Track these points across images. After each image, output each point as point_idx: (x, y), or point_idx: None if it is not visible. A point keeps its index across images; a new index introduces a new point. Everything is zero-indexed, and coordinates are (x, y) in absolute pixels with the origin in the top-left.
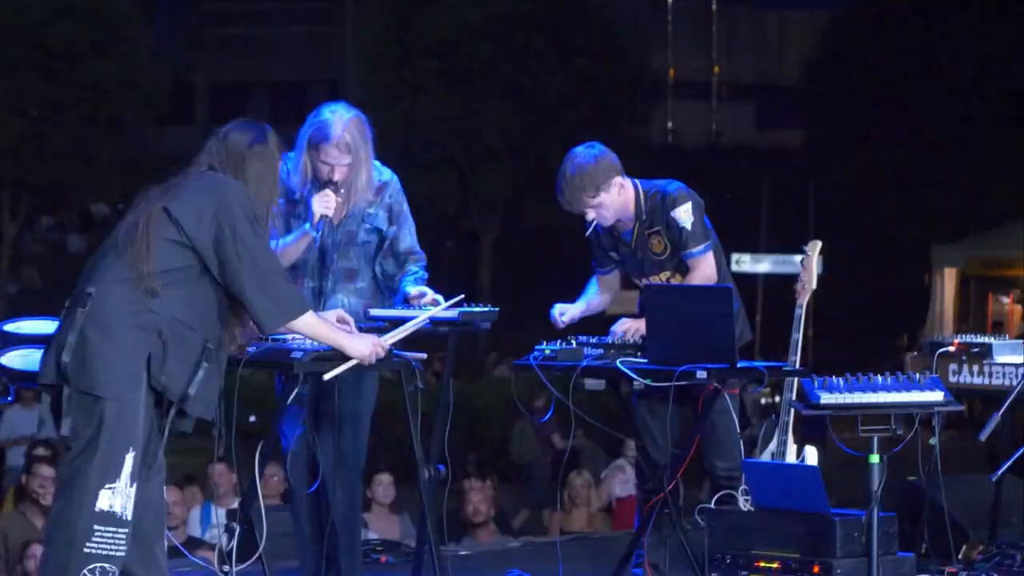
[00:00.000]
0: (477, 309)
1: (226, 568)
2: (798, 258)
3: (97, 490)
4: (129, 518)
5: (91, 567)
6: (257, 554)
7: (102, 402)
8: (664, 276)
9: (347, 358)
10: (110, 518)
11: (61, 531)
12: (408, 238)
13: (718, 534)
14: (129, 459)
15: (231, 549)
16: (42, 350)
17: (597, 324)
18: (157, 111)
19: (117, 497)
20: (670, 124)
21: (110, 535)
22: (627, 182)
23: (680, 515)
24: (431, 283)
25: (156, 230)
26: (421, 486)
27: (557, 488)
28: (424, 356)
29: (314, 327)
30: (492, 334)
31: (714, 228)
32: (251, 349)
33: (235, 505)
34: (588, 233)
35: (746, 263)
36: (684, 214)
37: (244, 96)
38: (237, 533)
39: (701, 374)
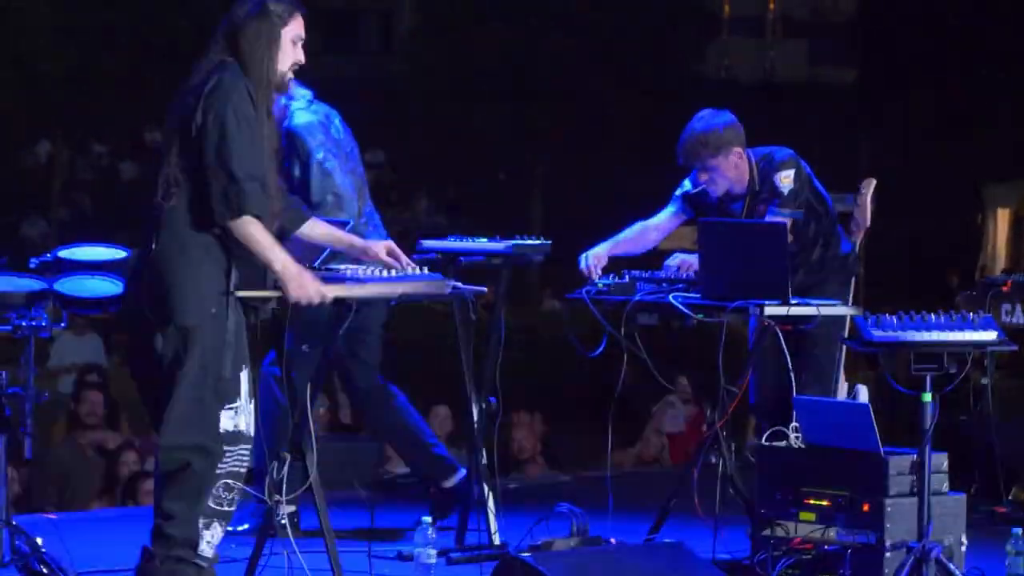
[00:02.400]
0: (529, 242)
1: (277, 497)
2: (852, 197)
3: (219, 412)
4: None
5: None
6: (307, 483)
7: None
8: None
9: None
10: (237, 437)
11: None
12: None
13: (768, 471)
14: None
15: (282, 478)
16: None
17: (651, 258)
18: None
19: (240, 416)
20: (726, 61)
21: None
22: (745, 156)
23: (730, 451)
24: (483, 217)
25: None
26: (472, 418)
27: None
28: (484, 290)
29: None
30: (544, 269)
31: None
32: None
33: None
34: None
35: None
36: (785, 179)
37: None
38: (288, 463)
39: (754, 310)
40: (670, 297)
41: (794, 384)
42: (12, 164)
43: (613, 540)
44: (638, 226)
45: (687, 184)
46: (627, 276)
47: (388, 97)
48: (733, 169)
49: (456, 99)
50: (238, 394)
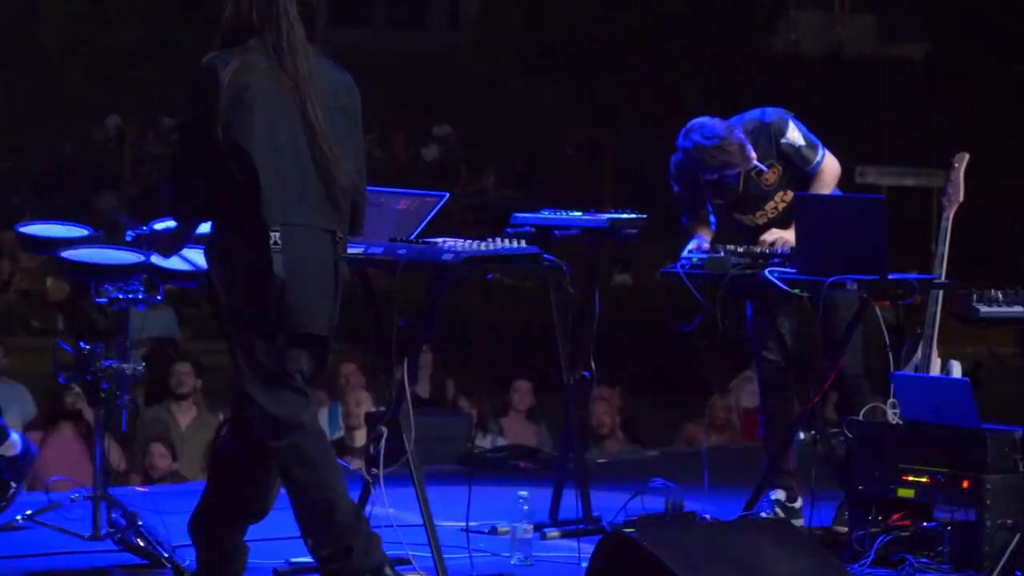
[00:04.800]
0: (625, 216)
1: (374, 471)
2: (929, 171)
3: None
4: None
5: None
6: (404, 458)
7: None
8: (776, 199)
9: None
10: None
11: None
12: None
13: (865, 447)
14: None
15: (379, 452)
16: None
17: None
18: None
19: None
20: (792, 35)
21: None
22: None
23: (826, 426)
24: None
25: None
26: (566, 392)
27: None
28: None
29: None
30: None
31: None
32: (402, 251)
33: (366, 408)
34: (678, 190)
35: (870, 175)
36: (794, 135)
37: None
38: (385, 437)
39: (851, 285)
40: (766, 272)
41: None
42: (82, 139)
43: (708, 516)
44: (701, 230)
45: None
46: (722, 251)
47: (456, 72)
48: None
49: (524, 73)
50: None
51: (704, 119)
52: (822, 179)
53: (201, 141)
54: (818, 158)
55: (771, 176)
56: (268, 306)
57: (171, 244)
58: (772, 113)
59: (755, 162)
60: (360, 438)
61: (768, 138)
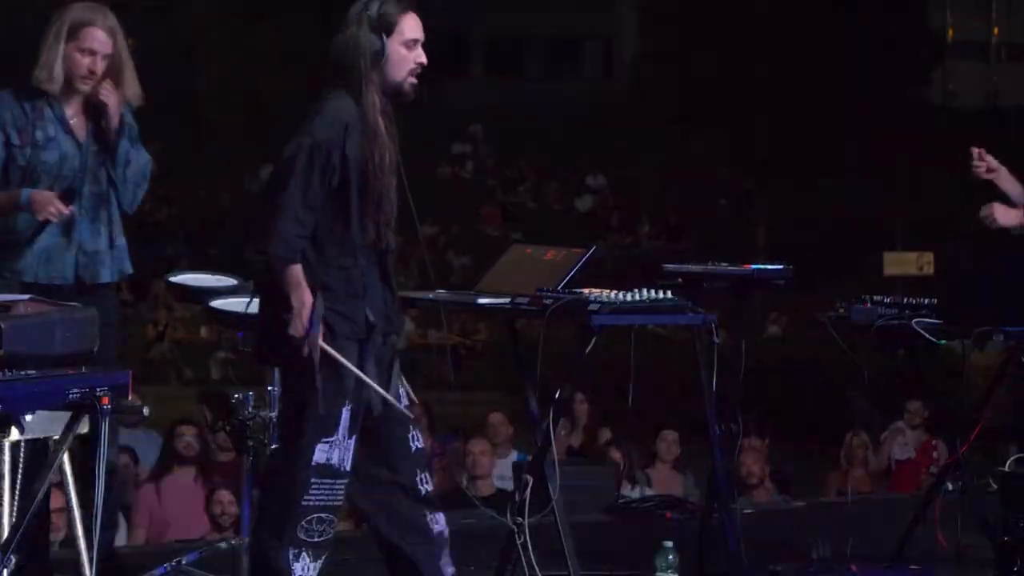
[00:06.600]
0: (772, 267)
1: (519, 520)
2: None
3: (314, 445)
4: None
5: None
6: (549, 507)
7: None
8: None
9: None
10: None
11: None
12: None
13: (1011, 498)
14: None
15: (524, 500)
16: None
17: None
18: (433, 63)
19: (335, 450)
20: (950, 85)
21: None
22: None
23: (971, 478)
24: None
25: None
26: (713, 442)
27: (837, 449)
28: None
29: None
30: (766, 294)
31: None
32: (548, 301)
33: (511, 457)
34: None
35: None
36: None
37: (519, 50)
38: (530, 485)
39: (999, 336)
40: (913, 322)
41: None
42: (237, 189)
43: (854, 567)
44: None
45: None
46: (868, 302)
47: (609, 122)
48: None
49: (676, 124)
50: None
51: None
52: None
53: None
54: None
55: None
56: None
57: None
58: None
59: None
60: (483, 488)
61: None
